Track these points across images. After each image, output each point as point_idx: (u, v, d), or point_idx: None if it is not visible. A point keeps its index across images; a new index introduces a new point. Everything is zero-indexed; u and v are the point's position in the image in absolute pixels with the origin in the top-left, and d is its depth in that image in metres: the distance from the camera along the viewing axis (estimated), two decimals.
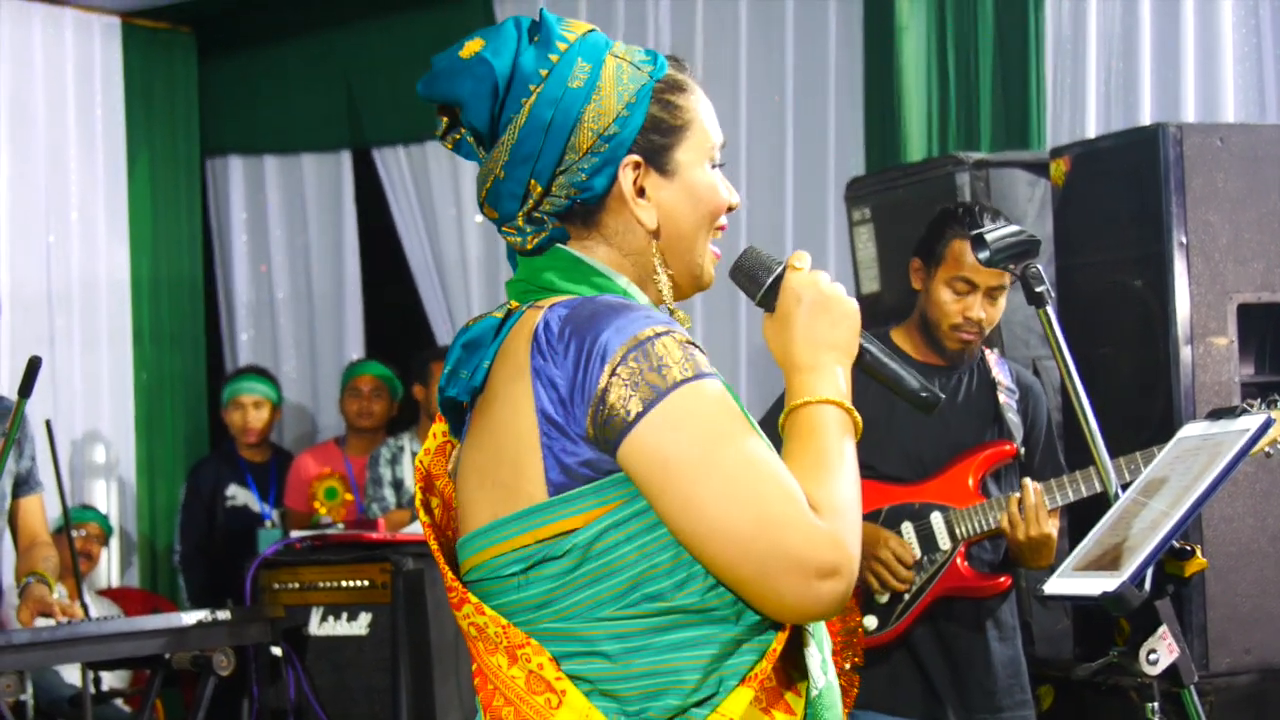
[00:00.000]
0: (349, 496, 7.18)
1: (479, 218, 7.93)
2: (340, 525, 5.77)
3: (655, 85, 2.06)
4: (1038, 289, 2.32)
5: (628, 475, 1.89)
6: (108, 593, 7.29)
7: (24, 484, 4.96)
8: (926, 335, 4.19)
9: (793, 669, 1.98)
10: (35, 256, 7.61)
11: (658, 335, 1.89)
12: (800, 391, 1.99)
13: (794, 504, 1.84)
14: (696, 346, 1.93)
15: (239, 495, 7.32)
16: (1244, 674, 4.62)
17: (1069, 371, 2.32)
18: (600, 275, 2.04)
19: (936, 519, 4.13)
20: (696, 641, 1.90)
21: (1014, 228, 2.37)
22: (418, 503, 2.13)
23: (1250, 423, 2.03)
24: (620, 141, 2.02)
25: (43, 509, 5.06)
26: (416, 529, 5.60)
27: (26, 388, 4.44)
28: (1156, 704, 2.09)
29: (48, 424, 5.25)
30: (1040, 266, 2.34)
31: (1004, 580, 4.14)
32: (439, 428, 2.15)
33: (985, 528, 4.08)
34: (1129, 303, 4.79)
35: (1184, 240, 4.65)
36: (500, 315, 2.04)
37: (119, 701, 6.51)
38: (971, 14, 6.11)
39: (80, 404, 7.74)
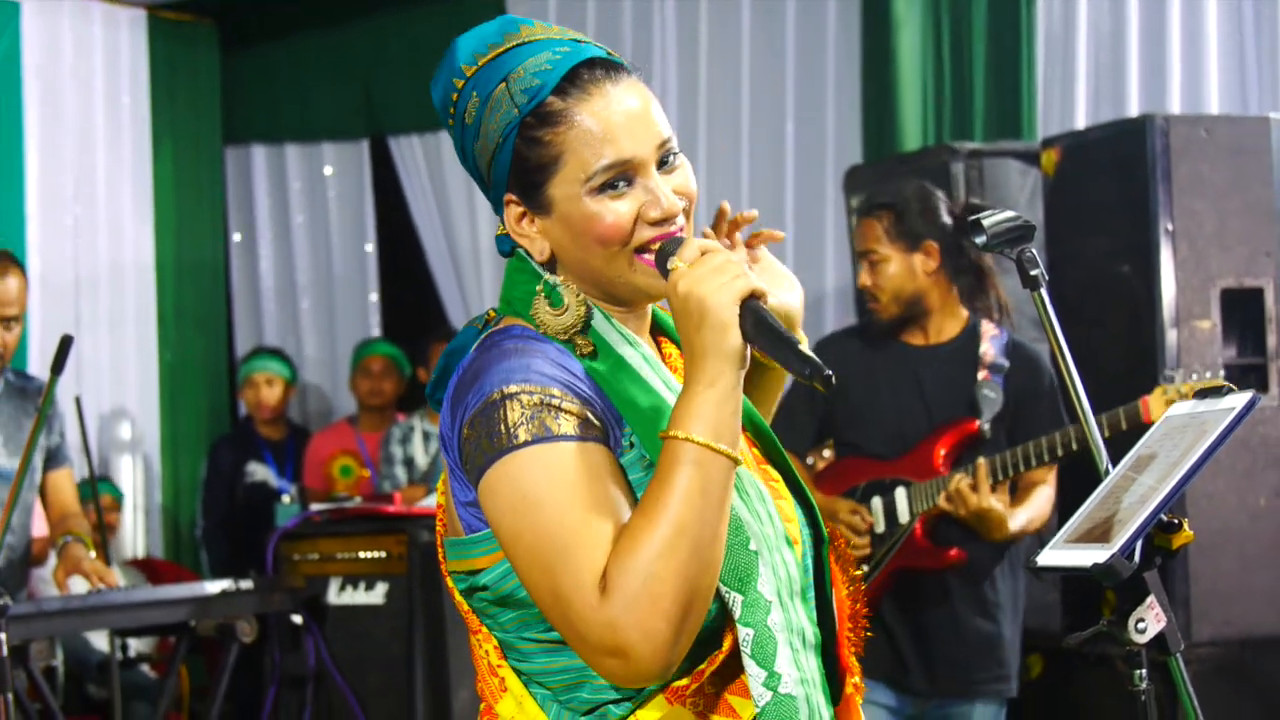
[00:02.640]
0: (364, 472, 7.19)
1: None
2: (358, 499, 5.78)
3: (522, 121, 1.90)
4: (1032, 272, 2.32)
5: None
6: (133, 563, 7.31)
7: (53, 459, 4.97)
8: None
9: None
10: (64, 240, 7.61)
11: (506, 398, 1.81)
12: (672, 417, 1.82)
13: (577, 585, 1.75)
14: (558, 407, 1.82)
15: (257, 471, 7.33)
16: (1225, 644, 4.64)
17: (1062, 353, 2.32)
18: (557, 296, 1.94)
19: (899, 494, 4.15)
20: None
21: (1009, 213, 2.37)
22: (441, 481, 2.08)
23: (1235, 401, 2.04)
24: (498, 180, 1.94)
25: (72, 482, 5.07)
26: (431, 503, 5.62)
27: (59, 365, 4.44)
28: (1144, 670, 2.10)
29: (77, 401, 5.26)
30: (1035, 251, 2.34)
31: (953, 553, 4.12)
32: None
33: (935, 502, 4.09)
34: (1117, 288, 4.80)
35: (1170, 228, 4.66)
36: (479, 326, 2.02)
37: (144, 667, 6.54)
38: (966, 8, 6.11)
39: (107, 382, 7.75)
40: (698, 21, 7.04)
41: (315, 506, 5.63)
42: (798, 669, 1.88)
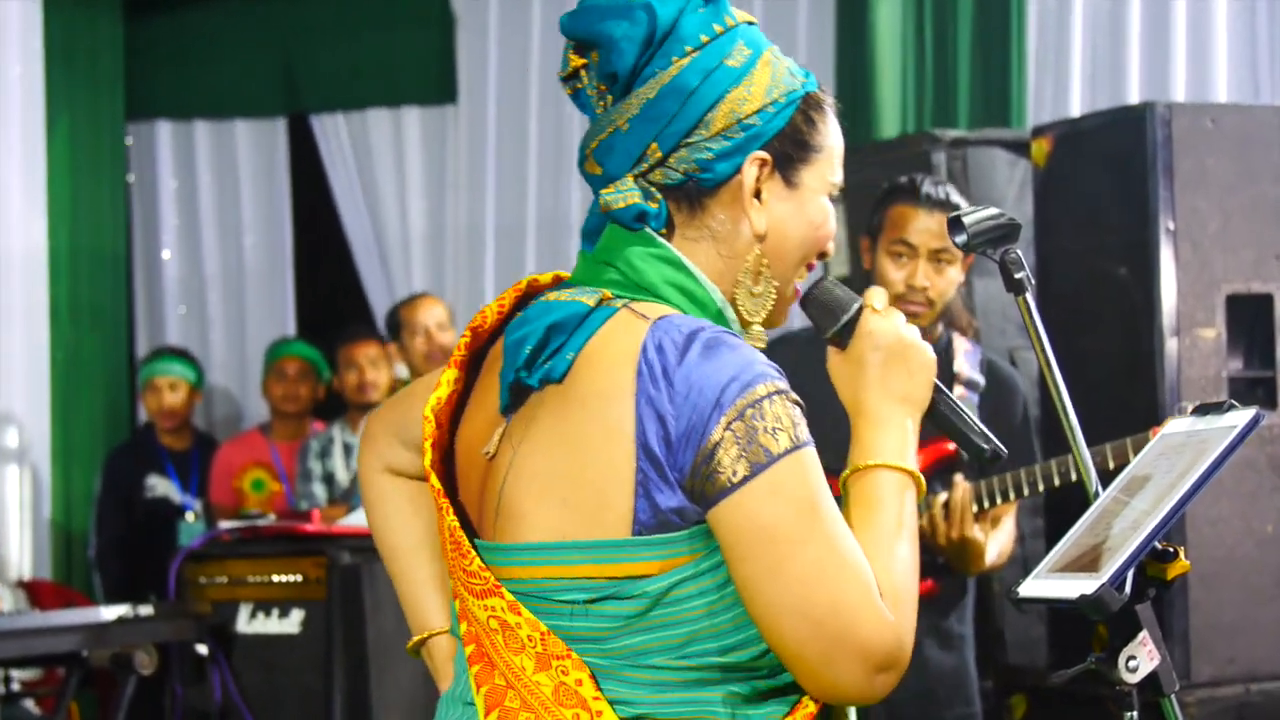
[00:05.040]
0: (277, 486, 7.16)
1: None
2: (271, 516, 5.76)
3: (805, 95, 2.11)
4: (1017, 275, 2.33)
5: (715, 533, 1.91)
6: (18, 585, 7.27)
7: None
8: None
9: None
10: None
11: (773, 394, 1.92)
12: (866, 450, 2.04)
13: (869, 593, 1.89)
14: (798, 403, 1.96)
15: (158, 485, 7.30)
16: (1228, 684, 4.66)
17: (1048, 363, 2.33)
18: (702, 290, 2.06)
19: None
20: (732, 692, 1.95)
21: (992, 210, 2.38)
22: (427, 463, 2.08)
23: (1237, 418, 2.05)
24: (758, 134, 2.07)
25: None
26: (350, 522, 5.61)
27: None
28: (1135, 713, 2.11)
29: None
30: (1020, 251, 2.35)
31: (926, 584, 4.14)
32: (450, 375, 2.11)
33: None
34: (1112, 291, 4.83)
35: (1171, 226, 4.69)
36: (589, 303, 2.00)
37: (29, 702, 6.50)
38: None
39: None
40: None
41: (223, 524, 5.60)
42: None
